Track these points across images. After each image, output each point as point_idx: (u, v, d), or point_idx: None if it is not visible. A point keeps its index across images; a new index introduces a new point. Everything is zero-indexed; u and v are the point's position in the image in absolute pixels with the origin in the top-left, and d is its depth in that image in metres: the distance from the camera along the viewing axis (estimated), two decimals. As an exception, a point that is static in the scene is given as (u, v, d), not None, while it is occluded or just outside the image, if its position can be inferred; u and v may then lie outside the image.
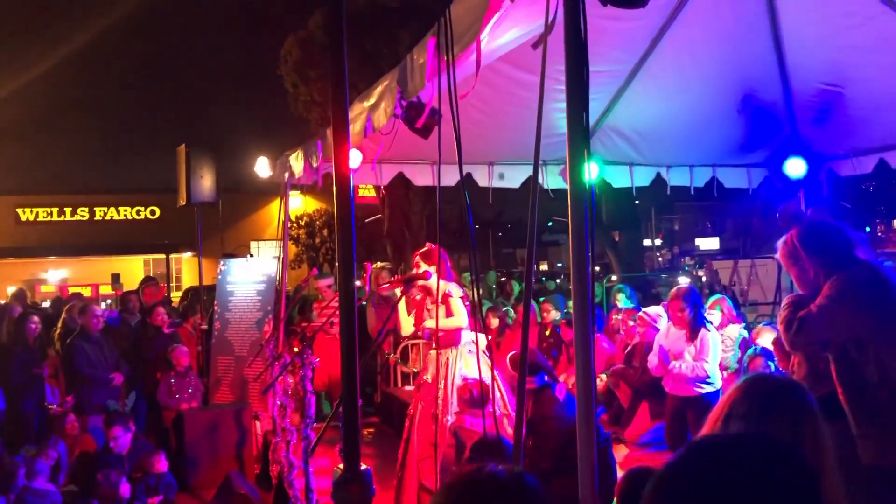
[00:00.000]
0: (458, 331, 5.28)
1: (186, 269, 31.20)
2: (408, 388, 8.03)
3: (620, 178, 7.62)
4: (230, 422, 6.64)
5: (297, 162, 6.46)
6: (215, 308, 8.25)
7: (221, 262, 8.65)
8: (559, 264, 46.00)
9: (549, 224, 41.71)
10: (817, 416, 1.72)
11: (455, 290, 5.31)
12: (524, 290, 3.56)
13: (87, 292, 24.10)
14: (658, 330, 6.79)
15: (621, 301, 8.85)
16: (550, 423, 4.95)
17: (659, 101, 6.41)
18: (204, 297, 8.92)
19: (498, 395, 5.14)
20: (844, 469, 1.75)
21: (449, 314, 5.22)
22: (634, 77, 6.06)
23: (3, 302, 10.42)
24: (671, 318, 6.24)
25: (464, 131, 2.76)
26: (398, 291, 5.43)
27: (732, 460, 1.08)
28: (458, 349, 5.27)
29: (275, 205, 24.79)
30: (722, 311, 7.22)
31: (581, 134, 2.36)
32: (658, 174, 7.65)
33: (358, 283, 7.00)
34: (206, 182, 8.25)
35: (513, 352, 5.69)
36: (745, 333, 7.09)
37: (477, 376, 5.00)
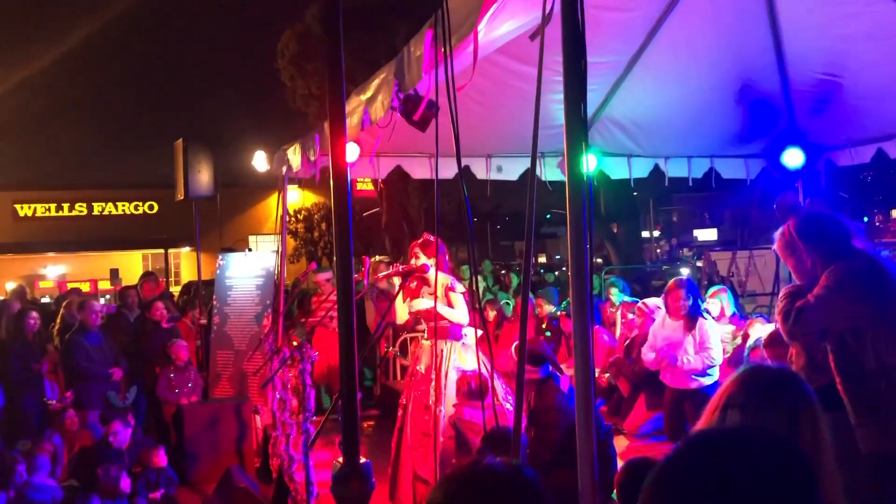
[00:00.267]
0: (459, 326, 5.30)
1: (185, 263, 31.18)
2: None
3: (618, 170, 7.62)
4: (230, 416, 6.65)
5: (294, 156, 6.45)
6: (214, 302, 8.25)
7: (220, 257, 8.65)
8: (557, 256, 46.01)
9: (548, 216, 41.71)
10: (815, 406, 1.72)
11: (458, 286, 5.32)
12: (522, 282, 3.56)
13: (85, 288, 24.08)
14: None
15: (614, 295, 8.86)
16: (552, 415, 4.95)
17: (657, 92, 6.40)
18: (203, 291, 8.91)
19: (496, 386, 5.15)
20: (843, 459, 1.76)
21: (450, 306, 5.24)
22: (632, 68, 6.05)
23: (2, 298, 10.42)
24: (669, 309, 6.24)
25: (461, 124, 2.75)
26: (396, 283, 5.43)
27: (730, 454, 1.08)
28: (451, 342, 5.29)
29: (273, 199, 24.78)
30: (722, 305, 7.21)
31: (579, 125, 2.36)
32: (656, 165, 7.66)
33: (357, 276, 7.01)
34: (204, 176, 8.23)
35: (517, 342, 5.69)
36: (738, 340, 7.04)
37: (472, 368, 5.02)
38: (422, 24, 3.44)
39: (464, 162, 3.48)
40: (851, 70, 5.77)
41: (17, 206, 30.32)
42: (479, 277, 12.36)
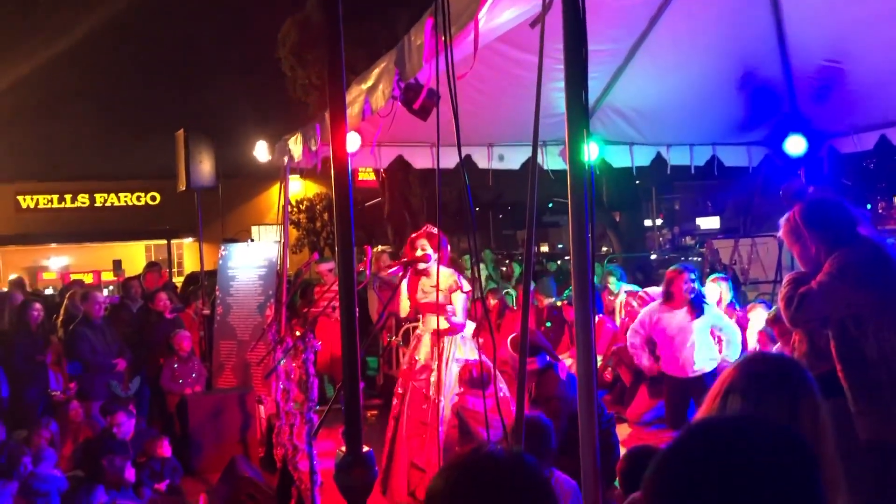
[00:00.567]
0: (462, 326, 5.33)
1: (188, 254, 31.21)
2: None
3: (620, 158, 7.60)
4: (234, 406, 6.67)
5: (296, 146, 6.44)
6: (217, 293, 8.26)
7: (222, 247, 8.65)
8: (560, 245, 45.97)
9: (550, 205, 41.62)
10: (815, 393, 1.72)
11: (465, 285, 5.32)
12: (524, 271, 3.56)
13: (88, 279, 24.12)
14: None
15: (612, 283, 8.86)
16: (554, 403, 4.97)
17: (659, 80, 6.37)
18: (205, 282, 8.92)
19: (497, 375, 5.17)
20: (843, 446, 1.76)
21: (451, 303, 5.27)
22: (634, 55, 6.03)
23: (4, 290, 10.45)
24: (674, 296, 6.09)
25: (463, 113, 2.75)
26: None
27: (731, 442, 1.08)
28: (453, 336, 5.32)
29: (275, 189, 24.73)
30: (721, 291, 7.14)
31: (580, 113, 2.35)
32: (658, 153, 7.63)
33: (359, 266, 7.01)
34: (206, 167, 8.23)
35: (514, 334, 5.71)
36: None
37: (474, 358, 5.03)
38: (422, 13, 3.43)
39: (465, 151, 3.47)
40: (854, 56, 5.74)
41: (20, 198, 30.35)
42: (482, 266, 12.39)
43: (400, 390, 5.45)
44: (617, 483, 3.57)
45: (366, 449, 2.32)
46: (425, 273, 5.35)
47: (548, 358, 5.31)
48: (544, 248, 45.74)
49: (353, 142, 5.74)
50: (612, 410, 6.43)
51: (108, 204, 31.60)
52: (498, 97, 6.05)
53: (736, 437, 1.10)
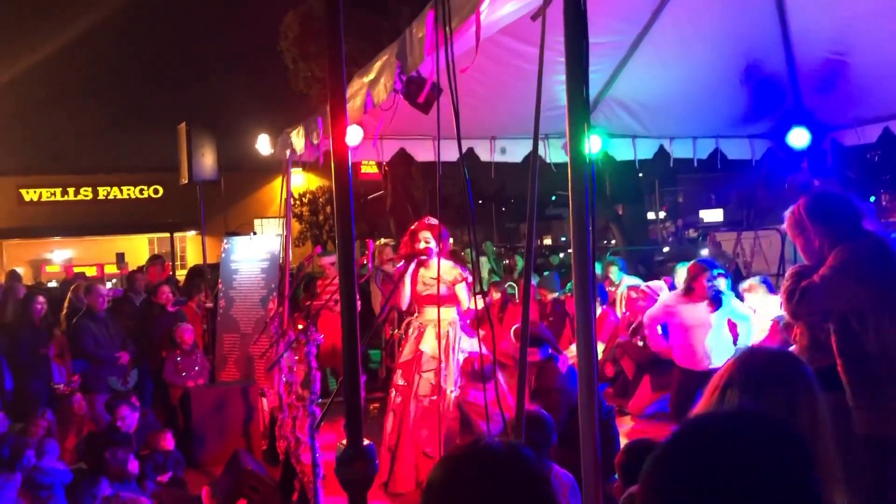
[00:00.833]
0: (465, 314, 5.39)
1: (191, 247, 31.25)
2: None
3: (623, 151, 7.57)
4: (237, 399, 6.69)
5: (298, 139, 6.43)
6: (220, 286, 8.27)
7: (225, 241, 8.66)
8: (563, 238, 45.93)
9: (553, 198, 41.56)
10: (814, 388, 1.72)
11: (469, 276, 5.36)
12: (525, 264, 3.55)
13: (92, 272, 24.19)
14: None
15: (613, 273, 8.85)
16: (554, 395, 4.98)
17: (661, 73, 6.35)
18: (208, 275, 8.93)
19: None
20: (841, 440, 1.76)
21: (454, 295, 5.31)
22: (636, 48, 6.00)
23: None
24: (696, 291, 6.16)
25: (464, 105, 2.74)
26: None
27: (728, 437, 1.09)
28: (456, 327, 5.33)
29: (277, 182, 24.72)
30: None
31: (581, 106, 2.34)
32: (661, 146, 7.60)
33: (361, 260, 7.02)
34: (208, 160, 8.22)
35: (516, 325, 5.71)
36: None
37: (476, 350, 5.04)
38: (424, 5, 3.42)
39: (467, 144, 3.46)
40: (858, 49, 5.71)
41: (23, 191, 30.39)
42: (484, 259, 12.38)
43: (400, 382, 5.45)
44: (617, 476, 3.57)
45: (367, 442, 2.32)
46: (425, 265, 5.37)
47: (550, 350, 5.31)
48: (547, 241, 45.70)
49: (355, 135, 5.73)
50: (615, 403, 6.44)
51: (110, 197, 31.63)
52: (500, 90, 6.03)
53: (733, 432, 1.10)
